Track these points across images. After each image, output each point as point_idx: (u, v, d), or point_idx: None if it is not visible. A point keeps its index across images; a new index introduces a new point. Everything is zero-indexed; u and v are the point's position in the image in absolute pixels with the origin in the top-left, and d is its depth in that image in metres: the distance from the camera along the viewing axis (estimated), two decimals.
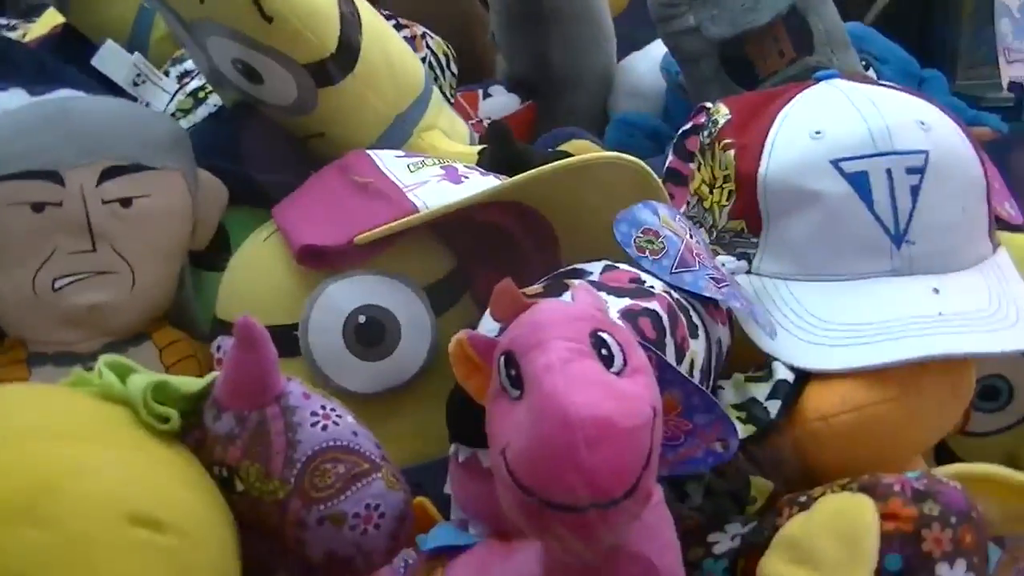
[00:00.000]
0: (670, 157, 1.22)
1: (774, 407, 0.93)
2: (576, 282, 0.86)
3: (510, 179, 1.00)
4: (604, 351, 0.65)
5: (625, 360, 0.66)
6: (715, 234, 1.06)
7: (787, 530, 0.82)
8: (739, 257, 1.04)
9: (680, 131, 1.23)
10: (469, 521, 0.85)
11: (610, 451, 0.61)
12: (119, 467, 0.74)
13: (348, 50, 1.14)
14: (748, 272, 1.04)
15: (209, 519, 0.76)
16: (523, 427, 0.63)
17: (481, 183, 1.06)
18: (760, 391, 0.95)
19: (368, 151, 1.13)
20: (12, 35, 1.80)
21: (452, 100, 1.56)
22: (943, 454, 1.11)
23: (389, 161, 1.11)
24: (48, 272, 1.09)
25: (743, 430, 0.91)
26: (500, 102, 1.72)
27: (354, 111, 1.19)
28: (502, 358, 0.67)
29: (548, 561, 0.70)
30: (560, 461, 0.60)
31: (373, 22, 1.20)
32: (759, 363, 0.98)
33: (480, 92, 1.72)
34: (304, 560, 0.78)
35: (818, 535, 0.78)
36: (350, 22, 1.15)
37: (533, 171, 0.99)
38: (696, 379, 0.88)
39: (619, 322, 0.83)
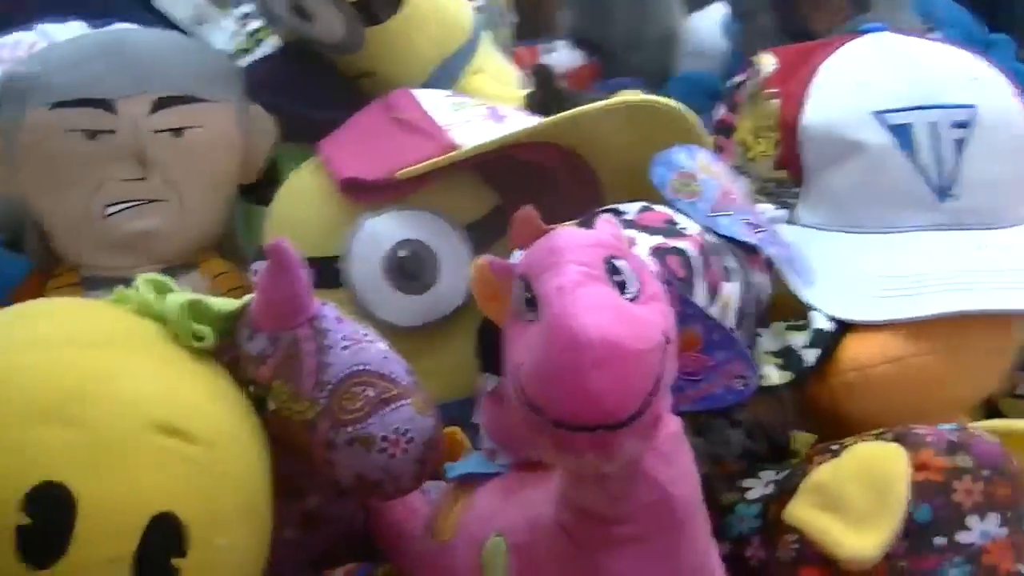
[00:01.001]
0: (721, 110, 1.22)
1: (811, 355, 0.93)
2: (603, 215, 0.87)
3: (549, 118, 1.01)
4: (617, 277, 0.66)
5: (640, 287, 0.67)
6: (759, 184, 1.06)
7: (815, 476, 0.82)
8: (781, 207, 1.04)
9: (730, 84, 1.23)
10: (496, 451, 0.86)
11: (616, 373, 0.61)
12: (149, 377, 0.76)
13: None
14: (789, 222, 1.03)
15: (238, 433, 0.79)
16: (534, 347, 0.63)
17: (523, 123, 1.07)
18: (798, 339, 0.95)
19: (412, 90, 1.15)
20: None
21: (510, 50, 1.57)
22: (994, 417, 1.10)
23: (432, 100, 1.12)
24: (100, 198, 1.12)
25: (780, 376, 0.91)
26: (562, 58, 1.73)
27: (401, 51, 1.21)
28: (519, 281, 0.68)
29: (565, 485, 0.71)
30: (567, 381, 0.61)
31: None
32: (800, 313, 0.98)
33: (541, 47, 1.74)
34: (334, 482, 0.80)
35: (847, 481, 0.79)
36: None
37: (572, 111, 1.00)
38: (730, 322, 0.89)
39: (649, 259, 0.84)
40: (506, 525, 0.77)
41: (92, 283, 1.13)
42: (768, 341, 0.94)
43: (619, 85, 1.34)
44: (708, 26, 1.75)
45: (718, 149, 1.10)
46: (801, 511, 0.80)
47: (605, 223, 0.75)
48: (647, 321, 0.64)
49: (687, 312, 0.75)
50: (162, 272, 0.86)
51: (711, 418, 0.90)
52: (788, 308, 0.98)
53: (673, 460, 0.69)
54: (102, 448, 0.71)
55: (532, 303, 0.66)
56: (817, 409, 0.96)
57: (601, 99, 1.10)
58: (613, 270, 0.66)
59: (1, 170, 1.15)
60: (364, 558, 0.97)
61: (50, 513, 0.69)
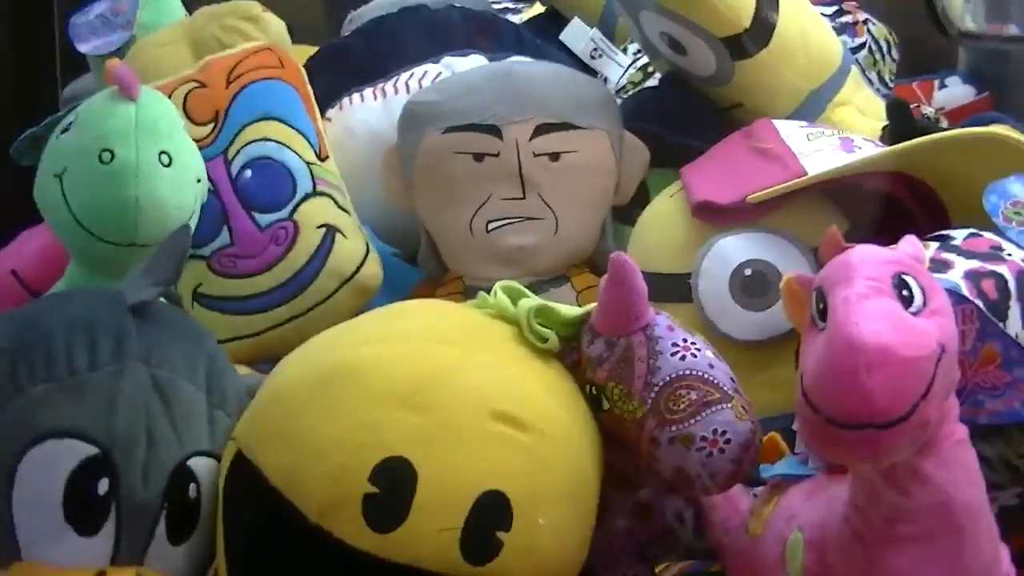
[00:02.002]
0: None
1: None
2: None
3: (892, 147, 1.05)
4: (905, 292, 0.71)
5: (925, 302, 0.71)
6: None
7: None
8: None
9: None
10: (809, 455, 0.92)
11: (888, 376, 0.66)
12: (493, 371, 0.86)
13: (763, 26, 1.23)
14: None
15: (568, 426, 0.87)
16: (818, 352, 0.69)
17: (871, 153, 1.11)
18: None
19: (772, 120, 1.21)
20: (514, 17, 1.97)
21: (891, 85, 1.59)
22: None
23: (790, 130, 1.18)
24: (483, 215, 1.25)
25: None
26: (955, 92, 1.73)
27: (769, 84, 1.27)
28: (814, 293, 0.74)
29: (855, 485, 0.75)
30: (843, 382, 0.67)
31: (792, 1, 1.27)
32: None
33: (936, 82, 1.75)
34: (658, 476, 0.88)
35: None
36: (767, 1, 1.22)
37: (914, 141, 1.04)
38: None
39: (961, 281, 0.87)
40: (806, 522, 0.82)
41: (474, 292, 1.22)
42: None
43: (990, 120, 1.35)
44: None
45: None
46: None
47: (908, 243, 0.80)
48: (923, 331, 0.69)
49: (988, 330, 0.79)
50: (536, 284, 0.96)
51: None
52: None
53: (955, 465, 0.73)
54: (443, 431, 0.80)
55: (823, 314, 0.72)
56: None
57: (950, 129, 1.13)
58: (902, 285, 0.71)
59: (400, 187, 1.29)
60: (699, 557, 1.04)
61: (394, 485, 0.78)
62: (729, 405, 0.85)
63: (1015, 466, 0.93)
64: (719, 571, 1.01)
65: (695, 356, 0.87)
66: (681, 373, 0.86)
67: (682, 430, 0.84)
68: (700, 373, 0.86)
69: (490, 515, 0.80)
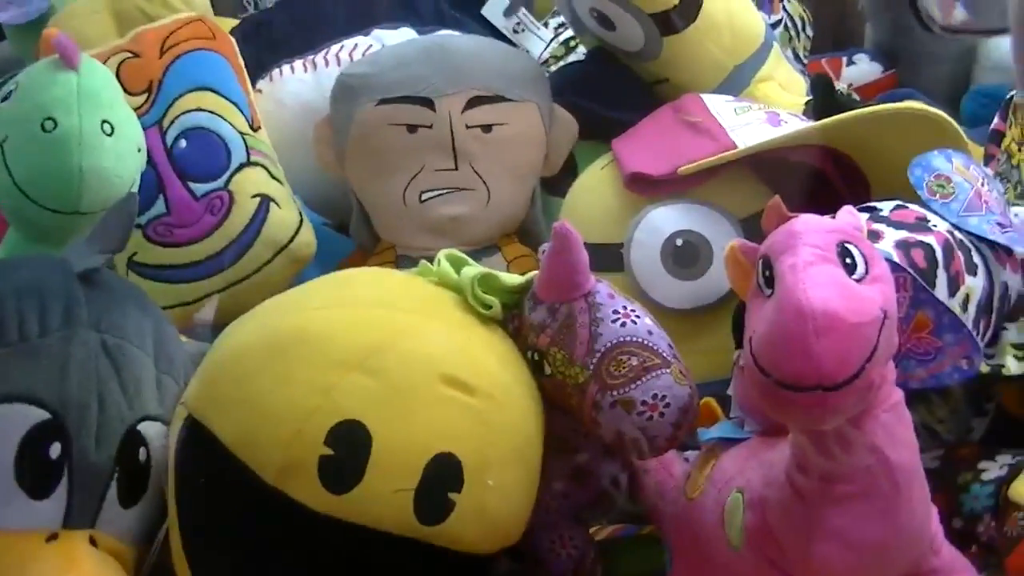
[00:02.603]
0: (995, 119, 1.26)
1: None
2: None
3: (819, 122, 1.09)
4: (848, 260, 0.74)
5: (867, 269, 0.74)
6: (1020, 189, 1.11)
7: None
8: None
9: (1007, 96, 1.27)
10: (744, 419, 0.95)
11: (836, 340, 0.69)
12: (441, 337, 0.88)
13: (691, 2, 1.25)
14: None
15: (514, 389, 0.89)
16: (766, 318, 0.72)
17: (798, 127, 1.14)
18: None
19: (701, 95, 1.24)
20: None
21: (806, 61, 1.63)
22: None
23: (718, 104, 1.21)
24: (417, 186, 1.26)
25: (1017, 367, 0.96)
26: (863, 70, 1.78)
27: (695, 59, 1.30)
28: (760, 260, 0.76)
29: (795, 446, 0.78)
30: (792, 346, 0.70)
31: None
32: None
33: (844, 59, 1.79)
34: (600, 440, 0.91)
35: None
36: None
37: (840, 116, 1.07)
38: (971, 313, 0.94)
39: (893, 251, 0.91)
40: (746, 483, 0.85)
41: (406, 261, 1.25)
42: (1013, 334, 0.99)
43: (903, 95, 1.39)
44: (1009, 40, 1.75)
45: (989, 156, 1.15)
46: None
47: (847, 214, 0.83)
48: (867, 298, 0.72)
49: (920, 297, 0.82)
50: (468, 253, 0.98)
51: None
52: None
53: (892, 428, 0.76)
54: (397, 395, 0.82)
55: (770, 281, 0.74)
56: None
57: (871, 104, 1.17)
58: (845, 253, 0.74)
59: (332, 158, 1.30)
60: (630, 520, 1.07)
61: (349, 448, 0.80)
62: (668, 370, 0.88)
63: (935, 430, 0.97)
64: (650, 533, 1.04)
65: (635, 323, 0.90)
66: (622, 339, 0.88)
67: (623, 395, 0.87)
68: (640, 339, 0.89)
69: (442, 476, 0.82)
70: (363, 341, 0.84)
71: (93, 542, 0.83)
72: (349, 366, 0.82)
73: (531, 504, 0.90)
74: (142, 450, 0.86)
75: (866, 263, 0.75)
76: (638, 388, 0.87)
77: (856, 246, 0.75)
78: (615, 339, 0.89)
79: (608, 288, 0.92)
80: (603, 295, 0.91)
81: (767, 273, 0.75)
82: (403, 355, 0.84)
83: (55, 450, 0.82)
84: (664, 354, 0.89)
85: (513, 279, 0.94)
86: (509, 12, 1.51)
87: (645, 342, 0.89)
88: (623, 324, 0.89)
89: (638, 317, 0.91)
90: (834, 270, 0.73)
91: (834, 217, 0.82)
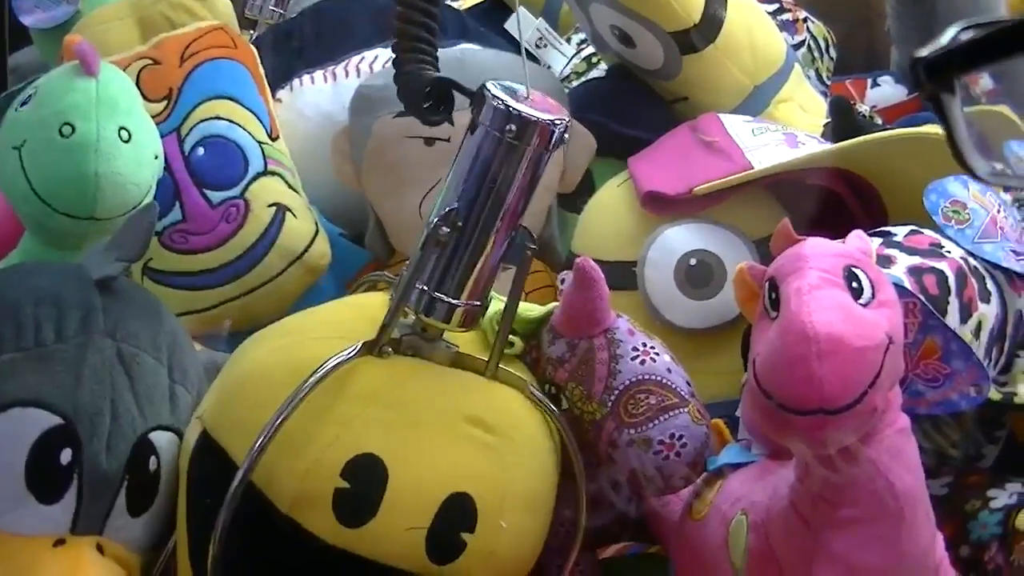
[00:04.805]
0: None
1: None
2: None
3: (836, 145, 1.09)
4: (855, 284, 0.74)
5: (874, 294, 0.75)
6: None
7: None
8: None
9: None
10: (752, 442, 0.95)
11: (839, 364, 0.69)
12: (463, 374, 0.86)
13: (711, 21, 1.25)
14: None
15: (534, 430, 0.88)
16: (770, 340, 0.72)
17: (815, 150, 1.14)
18: None
19: (719, 115, 1.24)
20: (454, 4, 1.98)
21: (829, 82, 1.63)
22: None
23: (736, 124, 1.22)
24: (433, 200, 1.25)
25: None
26: (887, 92, 1.76)
27: (715, 79, 1.30)
28: (767, 283, 0.77)
29: (800, 469, 0.78)
30: (795, 369, 0.70)
31: None
32: None
33: (869, 81, 1.78)
34: (612, 475, 0.90)
35: None
36: None
37: (857, 139, 1.07)
38: (984, 341, 0.94)
39: (904, 276, 0.91)
40: (750, 505, 0.85)
41: None
42: None
43: (924, 119, 1.39)
44: None
45: None
46: None
47: (856, 238, 0.83)
48: (872, 323, 0.72)
49: (929, 323, 0.82)
50: None
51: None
52: None
53: (897, 453, 0.76)
54: (416, 430, 0.81)
55: (775, 303, 0.75)
56: None
57: (890, 128, 1.17)
58: (852, 277, 0.75)
59: (350, 169, 1.30)
60: (636, 539, 1.06)
61: (365, 482, 0.79)
62: (686, 409, 0.88)
63: (946, 456, 0.97)
64: (656, 552, 1.05)
65: (654, 360, 0.90)
66: (641, 377, 0.89)
67: (640, 433, 0.87)
68: (659, 378, 0.89)
69: (456, 516, 0.81)
70: (386, 374, 0.83)
71: (100, 549, 0.83)
72: (371, 399, 0.82)
73: (540, 546, 0.89)
74: (152, 459, 0.86)
75: (873, 288, 0.75)
76: (655, 427, 0.87)
77: (863, 271, 0.76)
78: (634, 377, 0.89)
79: (628, 324, 0.92)
80: (623, 331, 0.91)
81: (773, 295, 0.75)
82: (424, 391, 0.84)
83: (66, 456, 0.82)
84: (682, 393, 0.89)
85: (531, 310, 0.94)
86: None
87: (664, 380, 0.89)
88: (642, 362, 0.89)
89: (657, 355, 0.90)
90: (840, 294, 0.73)
91: (844, 241, 0.82)
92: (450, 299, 0.83)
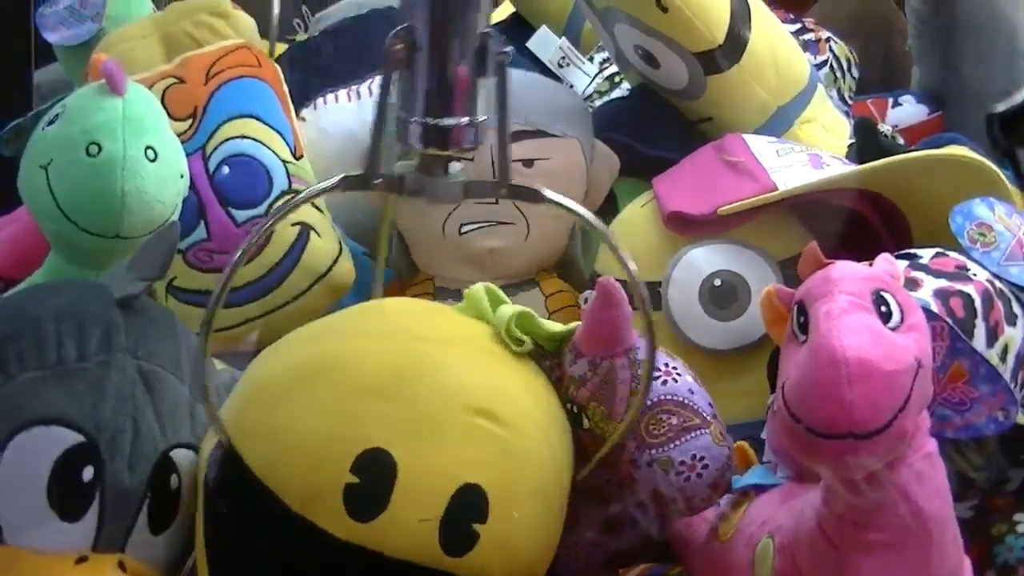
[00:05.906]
0: None
1: None
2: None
3: (860, 166, 1.09)
4: (884, 308, 0.74)
5: (903, 318, 0.74)
6: None
7: None
8: None
9: None
10: (777, 464, 0.94)
11: (869, 389, 0.69)
12: (472, 367, 0.87)
13: (736, 42, 1.25)
14: None
15: (543, 426, 0.88)
16: (800, 364, 0.72)
17: (840, 171, 1.14)
18: None
19: (743, 135, 1.24)
20: None
21: (851, 102, 1.63)
22: None
23: (760, 145, 1.21)
24: (457, 218, 1.27)
25: None
26: (909, 111, 1.76)
27: (739, 99, 1.30)
28: (795, 306, 0.77)
29: (827, 491, 0.78)
30: (824, 393, 0.70)
31: (763, 19, 1.31)
32: None
33: (890, 100, 1.78)
34: (634, 495, 0.89)
35: None
36: (740, 18, 1.26)
37: (881, 161, 1.07)
38: (1010, 364, 0.94)
39: (931, 299, 0.90)
40: (776, 528, 0.84)
41: (444, 293, 1.27)
42: None
43: (948, 140, 1.38)
44: None
45: None
46: None
47: (884, 261, 0.83)
48: (901, 347, 0.72)
49: (957, 347, 0.82)
50: (505, 287, 0.98)
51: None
52: None
53: (925, 478, 0.76)
54: (424, 424, 0.81)
55: (804, 327, 0.75)
56: None
57: (914, 149, 1.17)
58: (880, 301, 0.74)
59: None
60: (659, 560, 1.05)
61: (374, 476, 0.79)
62: (708, 431, 0.88)
63: (971, 479, 0.97)
64: (680, 573, 1.03)
65: (676, 381, 0.89)
66: (662, 398, 0.88)
67: (661, 454, 0.87)
68: (681, 398, 0.89)
69: (468, 507, 0.81)
70: (392, 369, 0.84)
71: (122, 567, 0.83)
72: (377, 394, 0.82)
73: (555, 542, 0.89)
74: (174, 477, 0.86)
75: (901, 312, 0.75)
76: (677, 448, 0.87)
77: (892, 294, 0.75)
78: (656, 397, 0.88)
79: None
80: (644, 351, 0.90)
81: (802, 319, 0.75)
82: (432, 384, 0.84)
83: (88, 473, 0.82)
84: (704, 413, 0.89)
85: (554, 327, 0.93)
86: None
87: (686, 401, 0.89)
88: (664, 382, 0.89)
89: (679, 375, 0.90)
90: (869, 318, 0.73)
91: (871, 264, 0.82)
92: (437, 121, 0.83)
